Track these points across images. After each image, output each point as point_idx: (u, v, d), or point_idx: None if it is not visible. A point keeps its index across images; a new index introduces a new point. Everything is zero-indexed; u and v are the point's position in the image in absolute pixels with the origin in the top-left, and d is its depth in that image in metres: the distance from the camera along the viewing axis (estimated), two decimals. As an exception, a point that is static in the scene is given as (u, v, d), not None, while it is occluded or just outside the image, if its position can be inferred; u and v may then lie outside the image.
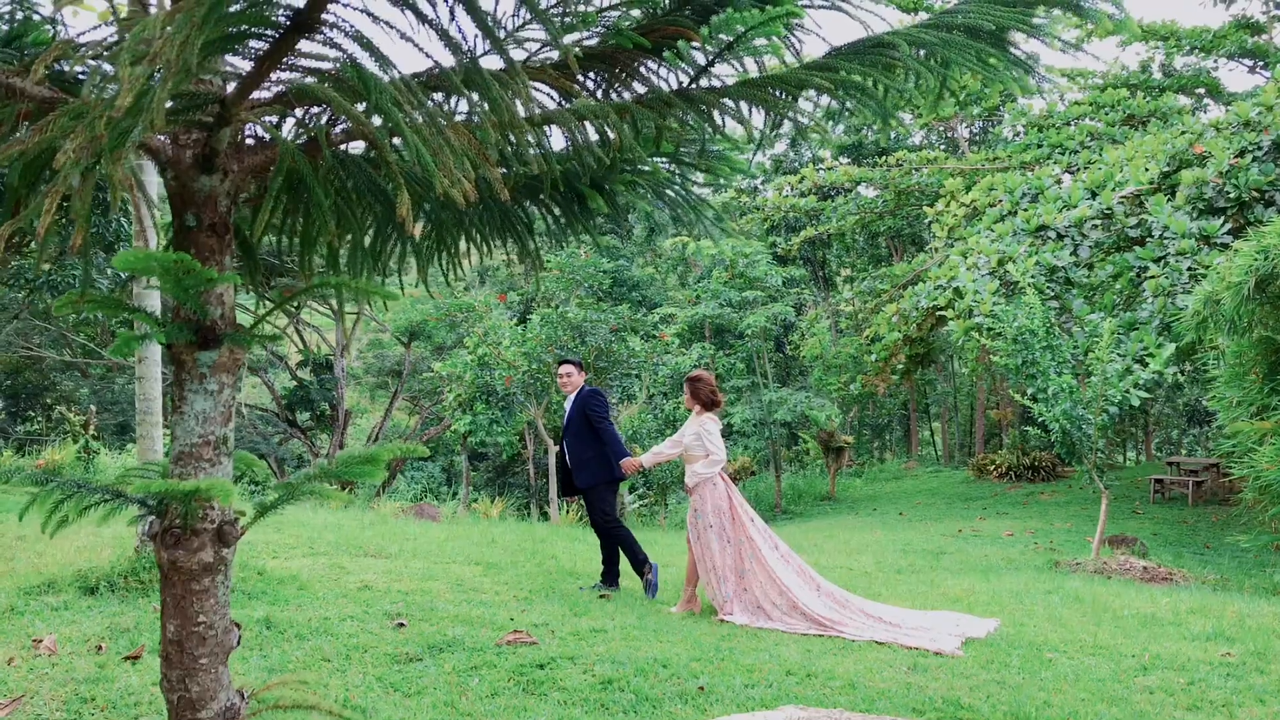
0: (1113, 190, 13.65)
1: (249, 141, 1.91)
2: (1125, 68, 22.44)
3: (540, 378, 19.03)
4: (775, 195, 22.82)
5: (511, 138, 1.80)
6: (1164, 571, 10.31)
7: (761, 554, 6.82)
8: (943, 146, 30.47)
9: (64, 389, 30.07)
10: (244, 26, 1.40)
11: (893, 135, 29.87)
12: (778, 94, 2.12)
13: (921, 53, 2.06)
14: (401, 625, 5.75)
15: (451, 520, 14.75)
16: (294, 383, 29.49)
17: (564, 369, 8.32)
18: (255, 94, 1.83)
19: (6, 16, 1.85)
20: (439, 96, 1.86)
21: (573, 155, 2.08)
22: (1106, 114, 17.99)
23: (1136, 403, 10.85)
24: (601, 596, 7.37)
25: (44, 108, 1.60)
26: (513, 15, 2.07)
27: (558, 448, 11.24)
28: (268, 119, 1.80)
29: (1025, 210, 14.59)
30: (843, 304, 26.61)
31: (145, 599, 6.03)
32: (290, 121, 1.88)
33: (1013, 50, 2.00)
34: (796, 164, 32.33)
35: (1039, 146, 18.45)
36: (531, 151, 1.95)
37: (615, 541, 7.90)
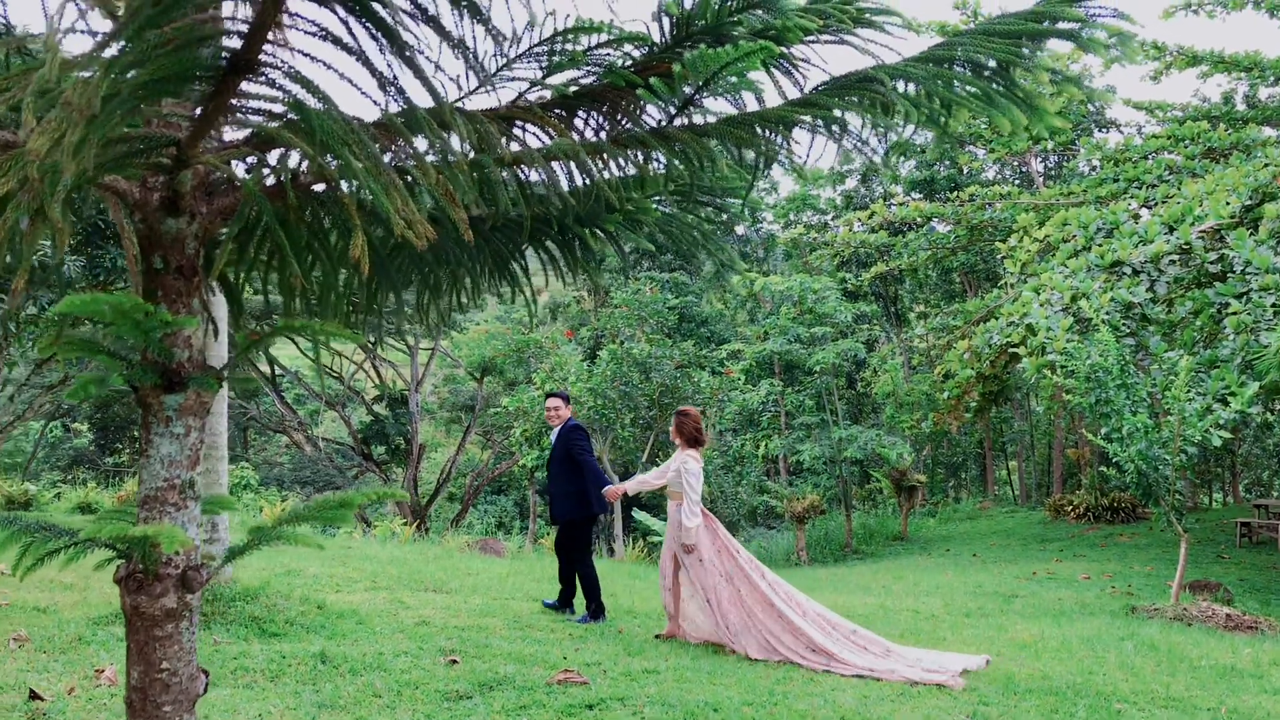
0: (1191, 224, 13.23)
1: (232, 183, 1.92)
2: (1206, 99, 21.80)
3: (605, 414, 19.09)
4: (845, 231, 22.64)
5: (491, 176, 1.79)
6: (1249, 620, 9.85)
7: (754, 583, 6.85)
8: (1016, 181, 30.01)
9: (149, 422, 30.96)
10: (180, 70, 1.39)
11: (965, 170, 29.50)
12: (763, 132, 2.06)
13: (919, 89, 1.98)
14: (454, 662, 5.75)
15: (515, 556, 14.81)
16: (369, 417, 30.00)
17: (551, 401, 8.50)
18: (230, 136, 1.84)
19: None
20: (421, 142, 1.84)
21: (554, 195, 2.05)
22: (1186, 147, 17.49)
23: (1218, 443, 10.46)
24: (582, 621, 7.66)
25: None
26: (494, 56, 2.06)
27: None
28: (244, 160, 1.80)
29: (1100, 246, 14.22)
30: (915, 340, 26.20)
31: (207, 631, 6.11)
32: (262, 164, 1.88)
33: (1014, 86, 1.91)
34: (867, 199, 32.09)
35: (1115, 181, 18.02)
36: (509, 192, 1.92)
37: (583, 577, 8.09)
